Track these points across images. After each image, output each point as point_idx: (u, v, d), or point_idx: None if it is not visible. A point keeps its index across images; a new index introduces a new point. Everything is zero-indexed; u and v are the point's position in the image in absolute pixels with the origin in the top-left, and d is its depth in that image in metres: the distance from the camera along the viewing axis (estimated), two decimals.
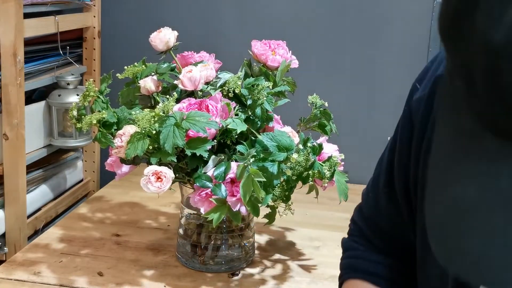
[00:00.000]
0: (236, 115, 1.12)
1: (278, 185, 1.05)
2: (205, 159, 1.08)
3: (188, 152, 1.05)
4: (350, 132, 1.76)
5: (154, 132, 1.04)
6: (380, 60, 1.75)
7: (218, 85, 1.14)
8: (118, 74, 1.17)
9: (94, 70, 1.78)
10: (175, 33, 1.21)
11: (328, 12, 1.75)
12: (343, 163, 1.15)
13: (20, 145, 1.41)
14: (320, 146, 1.10)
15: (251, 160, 1.01)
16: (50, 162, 1.66)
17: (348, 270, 0.83)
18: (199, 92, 1.16)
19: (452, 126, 0.42)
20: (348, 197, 1.10)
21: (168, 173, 1.04)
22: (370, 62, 1.76)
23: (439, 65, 0.65)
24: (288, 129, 1.15)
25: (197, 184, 1.07)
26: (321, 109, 1.22)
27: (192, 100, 1.12)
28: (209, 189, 1.06)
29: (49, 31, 1.54)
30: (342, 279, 0.84)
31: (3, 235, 1.44)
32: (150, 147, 1.05)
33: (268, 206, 1.09)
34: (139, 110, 1.11)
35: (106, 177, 1.80)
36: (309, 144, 1.10)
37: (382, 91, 1.77)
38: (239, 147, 1.09)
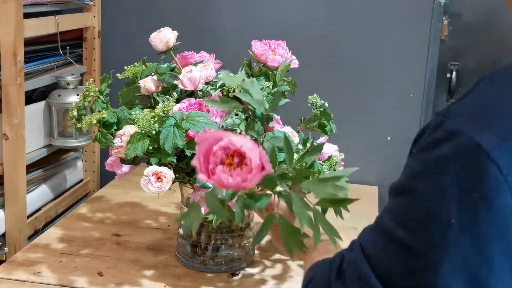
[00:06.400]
0: (236, 115, 1.12)
1: None
2: None
3: (188, 152, 1.05)
4: (350, 132, 1.76)
5: (154, 132, 1.04)
6: (380, 60, 1.75)
7: (218, 85, 1.14)
8: (118, 74, 1.17)
9: (94, 70, 1.78)
10: (175, 33, 1.21)
11: (328, 12, 1.75)
12: (343, 163, 1.15)
13: (20, 145, 1.41)
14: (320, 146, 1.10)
15: None
16: (50, 162, 1.66)
17: None
18: (199, 92, 1.16)
19: None
20: None
21: (168, 173, 1.04)
22: (370, 62, 1.76)
23: None
24: (288, 129, 1.15)
25: (197, 184, 1.07)
26: (321, 109, 1.22)
27: (192, 100, 1.12)
28: (209, 189, 1.06)
29: (49, 31, 1.54)
30: None
31: (3, 235, 1.44)
32: (150, 147, 1.05)
33: None
34: (139, 110, 1.11)
35: (106, 177, 1.80)
36: (309, 144, 1.10)
37: (381, 91, 1.77)
38: None
